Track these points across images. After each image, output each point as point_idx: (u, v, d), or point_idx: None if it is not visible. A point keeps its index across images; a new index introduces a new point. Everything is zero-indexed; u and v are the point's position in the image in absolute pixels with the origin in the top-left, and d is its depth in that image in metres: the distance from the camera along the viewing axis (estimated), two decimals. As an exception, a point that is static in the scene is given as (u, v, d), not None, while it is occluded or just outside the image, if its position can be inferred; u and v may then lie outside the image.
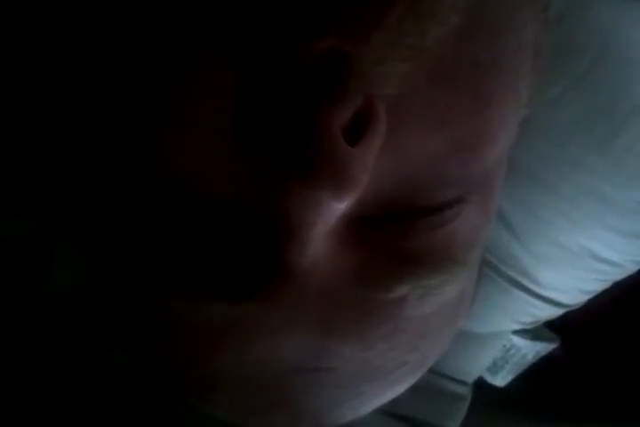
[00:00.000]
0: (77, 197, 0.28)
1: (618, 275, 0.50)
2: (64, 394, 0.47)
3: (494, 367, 0.62)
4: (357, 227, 0.24)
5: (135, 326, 0.29)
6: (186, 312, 0.25)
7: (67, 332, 0.47)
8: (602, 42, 0.42)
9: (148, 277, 0.25)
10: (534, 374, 0.65)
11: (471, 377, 0.59)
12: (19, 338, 0.46)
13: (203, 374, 0.28)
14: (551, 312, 0.53)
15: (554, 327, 0.63)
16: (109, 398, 0.48)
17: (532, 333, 0.60)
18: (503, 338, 0.59)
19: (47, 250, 0.45)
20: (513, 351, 0.60)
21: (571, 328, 0.66)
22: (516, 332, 0.58)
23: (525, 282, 0.49)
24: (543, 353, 0.62)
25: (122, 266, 0.26)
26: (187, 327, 0.26)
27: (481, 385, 0.62)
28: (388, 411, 0.55)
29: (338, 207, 0.22)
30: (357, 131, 0.22)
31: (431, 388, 0.56)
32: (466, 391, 0.59)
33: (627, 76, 0.42)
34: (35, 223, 0.45)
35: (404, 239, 0.25)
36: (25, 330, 0.46)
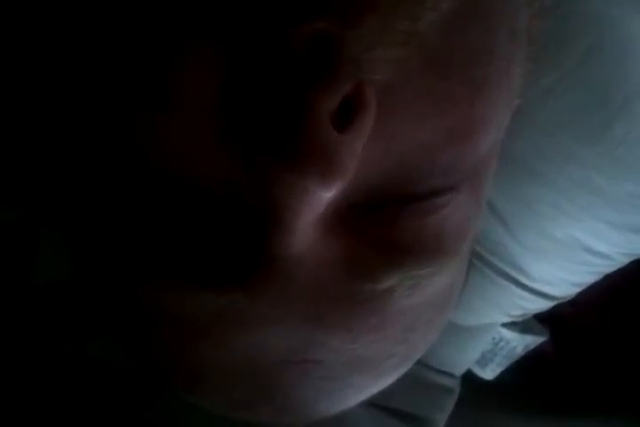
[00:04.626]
0: (63, 186, 0.28)
1: (609, 267, 0.50)
2: (53, 385, 0.47)
3: (483, 360, 0.62)
4: (345, 216, 0.24)
5: (122, 317, 0.29)
6: (173, 303, 0.25)
7: (53, 322, 0.47)
8: (596, 31, 0.42)
9: (134, 266, 0.25)
10: (523, 367, 0.65)
11: (459, 370, 0.60)
12: (5, 329, 0.45)
13: (189, 366, 0.28)
14: (541, 305, 0.53)
15: (542, 320, 0.63)
16: (97, 388, 0.48)
17: (522, 325, 0.60)
18: (492, 331, 0.59)
19: (32, 239, 0.45)
20: (502, 344, 0.60)
21: (560, 321, 0.66)
22: (505, 324, 0.58)
23: (515, 274, 0.49)
24: (532, 346, 0.62)
25: (108, 255, 0.26)
26: (173, 319, 0.26)
27: (469, 378, 0.62)
28: (375, 403, 0.55)
29: (325, 195, 0.22)
30: (346, 117, 0.21)
31: (419, 380, 0.57)
32: (454, 384, 0.59)
33: (621, 67, 0.42)
34: (19, 213, 0.44)
35: (393, 228, 0.25)
36: (11, 321, 0.46)
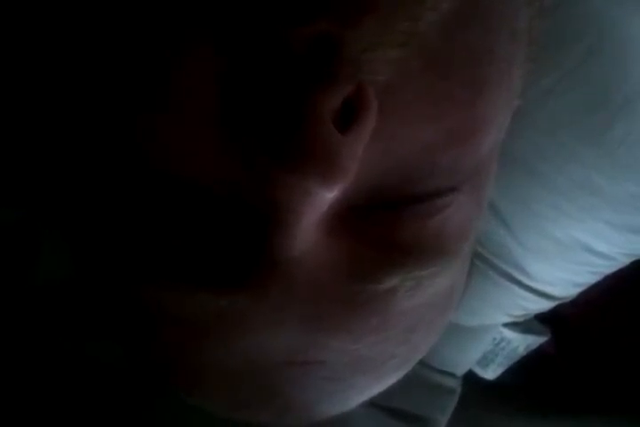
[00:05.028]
0: (63, 186, 0.28)
1: (609, 268, 0.50)
2: (53, 385, 0.47)
3: (484, 360, 0.62)
4: (346, 217, 0.24)
5: (122, 318, 0.29)
6: (173, 303, 0.25)
7: (53, 322, 0.47)
8: (597, 31, 0.41)
9: (135, 267, 0.25)
10: (524, 367, 0.65)
11: (461, 370, 0.59)
12: (6, 329, 0.45)
13: (190, 366, 0.28)
14: (542, 305, 0.53)
15: (543, 320, 0.63)
16: (97, 388, 0.48)
17: (523, 325, 0.60)
18: (493, 331, 0.59)
19: (33, 240, 0.45)
20: (503, 344, 0.60)
21: (561, 321, 0.66)
22: (506, 325, 0.58)
23: (517, 275, 0.49)
24: (533, 346, 0.62)
25: (108, 256, 0.26)
26: (174, 319, 0.26)
27: (471, 378, 0.62)
28: (377, 404, 0.55)
29: (326, 196, 0.22)
30: (347, 118, 0.21)
31: (421, 381, 0.56)
32: (455, 384, 0.59)
33: (621, 67, 0.41)
34: (21, 214, 0.44)
35: (394, 229, 0.25)
36: (11, 321, 0.46)
